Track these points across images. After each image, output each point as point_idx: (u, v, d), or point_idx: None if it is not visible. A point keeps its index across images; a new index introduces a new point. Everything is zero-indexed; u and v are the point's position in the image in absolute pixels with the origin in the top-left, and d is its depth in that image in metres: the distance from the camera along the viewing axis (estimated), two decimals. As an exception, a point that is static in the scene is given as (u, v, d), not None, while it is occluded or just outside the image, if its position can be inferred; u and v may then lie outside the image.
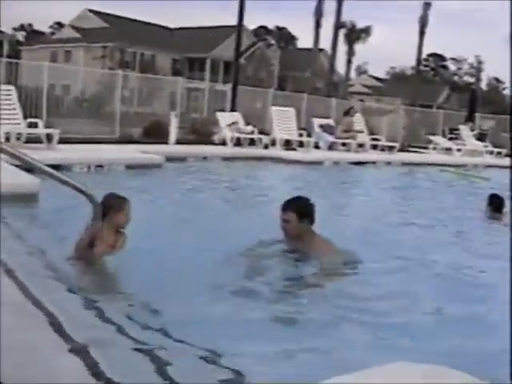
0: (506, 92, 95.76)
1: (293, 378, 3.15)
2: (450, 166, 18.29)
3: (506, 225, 8.10)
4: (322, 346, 3.73)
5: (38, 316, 3.35)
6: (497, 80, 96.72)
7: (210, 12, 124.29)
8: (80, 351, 2.90)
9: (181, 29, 63.69)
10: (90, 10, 62.85)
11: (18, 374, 2.66)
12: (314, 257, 5.37)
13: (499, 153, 23.80)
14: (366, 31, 57.88)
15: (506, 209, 8.77)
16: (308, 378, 2.93)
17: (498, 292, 4.89)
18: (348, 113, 20.71)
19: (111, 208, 5.04)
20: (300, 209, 5.44)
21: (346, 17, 52.03)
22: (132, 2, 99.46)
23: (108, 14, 60.93)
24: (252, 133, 18.08)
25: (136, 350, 3.23)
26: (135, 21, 60.33)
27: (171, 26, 65.71)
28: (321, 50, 54.10)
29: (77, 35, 58.94)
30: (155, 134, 17.45)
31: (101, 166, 11.11)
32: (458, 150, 23.18)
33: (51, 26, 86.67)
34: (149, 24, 62.30)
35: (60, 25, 77.18)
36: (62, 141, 12.88)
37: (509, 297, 4.30)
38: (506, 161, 21.95)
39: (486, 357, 3.66)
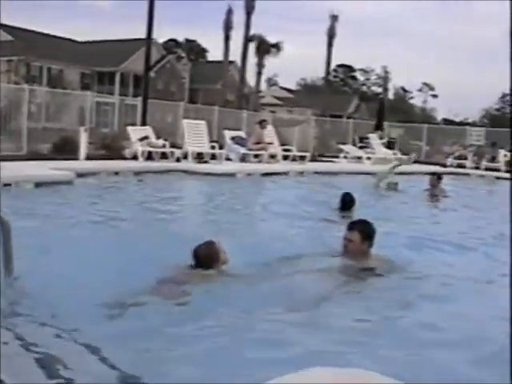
0: (413, 101, 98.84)
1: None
2: (360, 174, 18.72)
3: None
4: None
5: None
6: (403, 89, 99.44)
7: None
8: None
9: (89, 42, 62.71)
10: (-6, 24, 61.16)
11: None
12: (369, 267, 5.75)
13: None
14: (277, 47, 58.40)
15: (355, 206, 9.45)
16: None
17: None
18: (261, 124, 20.87)
19: (212, 260, 5.20)
20: (365, 231, 5.82)
21: (255, 29, 52.36)
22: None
23: (13, 27, 59.39)
24: (164, 146, 18.01)
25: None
26: (42, 34, 59.01)
27: (79, 39, 64.67)
28: (231, 62, 54.32)
29: (-21, 49, 57.23)
30: (65, 149, 17.11)
31: (8, 185, 10.71)
32: (368, 158, 23.71)
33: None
34: (56, 37, 61.09)
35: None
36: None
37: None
38: (414, 167, 22.65)
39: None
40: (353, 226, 5.93)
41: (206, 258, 5.18)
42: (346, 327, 4.53)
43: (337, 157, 24.56)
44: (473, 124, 59.14)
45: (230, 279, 5.20)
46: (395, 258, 6.16)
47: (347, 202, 9.44)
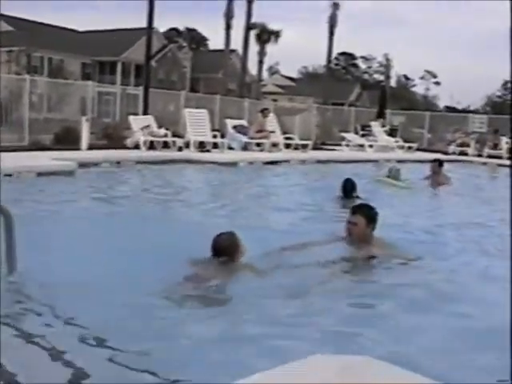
0: (415, 89, 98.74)
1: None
2: (362, 162, 18.73)
3: None
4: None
5: None
6: (405, 77, 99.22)
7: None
8: None
9: (90, 32, 62.51)
10: (-6, 14, 60.91)
11: None
12: (373, 252, 5.76)
13: (410, 147, 24.50)
14: (277, 34, 58.26)
15: (356, 193, 9.46)
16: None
17: None
18: (263, 112, 20.83)
19: (233, 252, 5.01)
20: (369, 214, 5.85)
21: (256, 18, 52.26)
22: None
23: (13, 18, 59.19)
24: (165, 136, 17.96)
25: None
26: (42, 24, 58.83)
27: (80, 29, 64.45)
28: (232, 51, 54.21)
29: (-20, 40, 56.97)
30: (67, 140, 17.09)
31: (10, 175, 10.69)
32: (370, 146, 23.70)
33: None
34: (56, 27, 60.88)
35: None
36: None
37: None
38: (417, 155, 22.66)
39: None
40: (356, 209, 5.96)
41: (228, 248, 4.97)
42: (349, 314, 4.53)
43: (339, 145, 24.52)
44: (475, 111, 59.05)
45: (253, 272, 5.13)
46: (398, 242, 6.16)
47: (349, 189, 9.43)
